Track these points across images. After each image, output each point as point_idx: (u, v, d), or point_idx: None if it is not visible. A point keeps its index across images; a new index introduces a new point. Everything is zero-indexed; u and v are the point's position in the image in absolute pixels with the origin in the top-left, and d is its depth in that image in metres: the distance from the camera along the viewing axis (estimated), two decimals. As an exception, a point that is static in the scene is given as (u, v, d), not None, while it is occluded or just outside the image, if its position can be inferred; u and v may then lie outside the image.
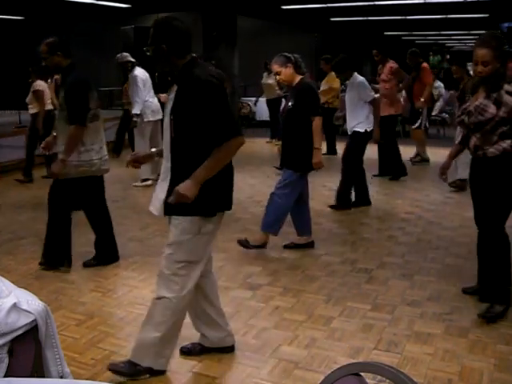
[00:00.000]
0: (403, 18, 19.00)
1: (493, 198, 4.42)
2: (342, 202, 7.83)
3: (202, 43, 15.97)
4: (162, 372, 3.65)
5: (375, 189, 9.03)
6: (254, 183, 9.67)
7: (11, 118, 9.99)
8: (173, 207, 3.42)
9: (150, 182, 9.13)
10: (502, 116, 4.22)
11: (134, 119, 9.43)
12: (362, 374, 1.58)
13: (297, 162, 5.83)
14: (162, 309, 3.54)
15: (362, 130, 7.49)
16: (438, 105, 15.07)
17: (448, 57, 34.12)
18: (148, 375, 3.59)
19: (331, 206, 7.87)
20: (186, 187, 3.31)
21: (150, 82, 9.31)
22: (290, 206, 5.94)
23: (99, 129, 5.53)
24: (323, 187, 8.94)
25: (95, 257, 5.76)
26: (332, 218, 7.50)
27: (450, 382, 3.59)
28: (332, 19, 20.08)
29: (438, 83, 15.18)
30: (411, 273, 5.49)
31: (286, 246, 6.18)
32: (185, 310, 3.66)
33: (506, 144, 4.29)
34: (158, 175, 3.73)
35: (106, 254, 5.80)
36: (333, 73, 11.00)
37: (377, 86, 9.75)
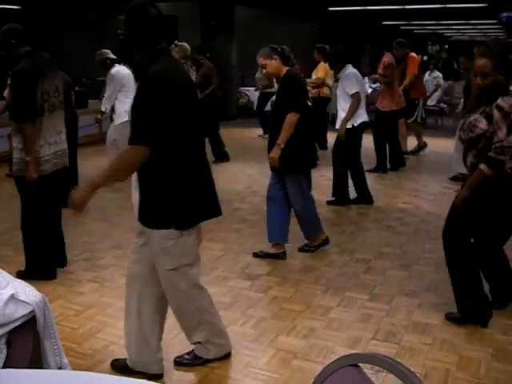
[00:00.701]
0: (402, 7, 18.93)
1: (484, 218, 4.10)
2: (338, 198, 7.66)
3: (200, 33, 15.93)
4: (228, 354, 3.76)
5: (373, 179, 9.04)
6: (252, 173, 9.67)
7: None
8: (147, 218, 3.31)
9: None
10: (492, 132, 3.84)
11: (98, 116, 9.31)
12: (360, 364, 1.58)
13: (291, 164, 5.38)
14: (186, 317, 3.54)
15: (349, 126, 7.26)
16: (436, 95, 15.08)
17: (446, 47, 34.07)
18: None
19: (328, 202, 7.65)
20: (79, 196, 3.17)
21: (131, 79, 8.69)
22: (312, 202, 5.72)
23: (46, 125, 4.89)
24: (322, 177, 8.92)
25: (25, 268, 5.16)
26: (330, 208, 7.49)
27: (448, 372, 3.60)
28: (330, 9, 20.00)
29: (437, 73, 15.20)
30: (409, 263, 5.50)
31: (255, 255, 5.71)
32: (205, 305, 3.56)
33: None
34: None
35: (35, 267, 5.11)
36: (322, 62, 11.00)
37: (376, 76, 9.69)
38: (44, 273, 5.10)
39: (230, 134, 13.84)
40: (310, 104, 5.50)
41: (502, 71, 3.90)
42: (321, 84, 11.43)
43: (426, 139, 11.61)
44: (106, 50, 9.05)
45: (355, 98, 7.17)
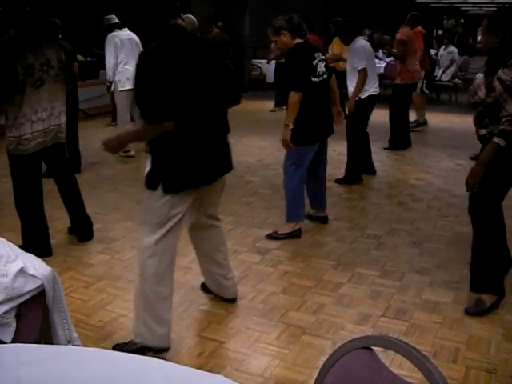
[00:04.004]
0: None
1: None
2: (349, 176, 7.44)
3: (213, 4, 15.76)
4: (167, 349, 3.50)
5: (385, 154, 8.99)
6: (264, 146, 9.61)
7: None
8: (146, 180, 3.42)
9: (132, 153, 8.47)
10: (490, 102, 3.79)
11: (108, 85, 8.82)
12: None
13: (293, 136, 5.17)
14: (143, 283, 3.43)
15: (356, 99, 7.10)
16: (451, 70, 14.91)
17: (462, 21, 33.69)
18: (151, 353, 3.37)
19: (337, 180, 7.43)
20: (108, 141, 3.46)
21: (132, 45, 8.38)
22: (300, 184, 5.45)
23: (23, 102, 4.55)
24: (334, 151, 8.86)
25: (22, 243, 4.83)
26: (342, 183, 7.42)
27: (458, 351, 3.58)
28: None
29: (452, 48, 15.02)
30: (421, 240, 5.46)
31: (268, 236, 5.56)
32: (160, 275, 3.43)
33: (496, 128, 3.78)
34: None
35: (33, 244, 4.79)
36: (337, 37, 10.83)
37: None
38: (37, 250, 4.33)
39: (242, 107, 13.74)
40: (316, 80, 5.19)
41: (496, 34, 3.72)
42: (337, 59, 11.30)
43: (440, 115, 11.51)
44: (112, 16, 8.70)
45: (361, 73, 6.99)
